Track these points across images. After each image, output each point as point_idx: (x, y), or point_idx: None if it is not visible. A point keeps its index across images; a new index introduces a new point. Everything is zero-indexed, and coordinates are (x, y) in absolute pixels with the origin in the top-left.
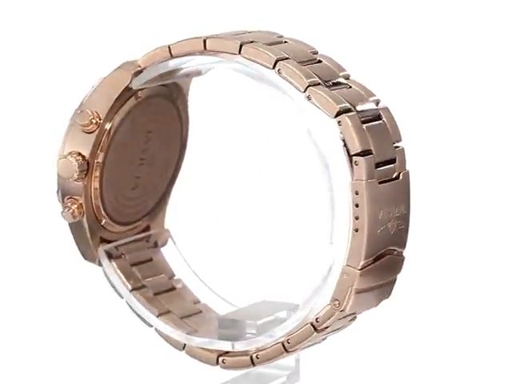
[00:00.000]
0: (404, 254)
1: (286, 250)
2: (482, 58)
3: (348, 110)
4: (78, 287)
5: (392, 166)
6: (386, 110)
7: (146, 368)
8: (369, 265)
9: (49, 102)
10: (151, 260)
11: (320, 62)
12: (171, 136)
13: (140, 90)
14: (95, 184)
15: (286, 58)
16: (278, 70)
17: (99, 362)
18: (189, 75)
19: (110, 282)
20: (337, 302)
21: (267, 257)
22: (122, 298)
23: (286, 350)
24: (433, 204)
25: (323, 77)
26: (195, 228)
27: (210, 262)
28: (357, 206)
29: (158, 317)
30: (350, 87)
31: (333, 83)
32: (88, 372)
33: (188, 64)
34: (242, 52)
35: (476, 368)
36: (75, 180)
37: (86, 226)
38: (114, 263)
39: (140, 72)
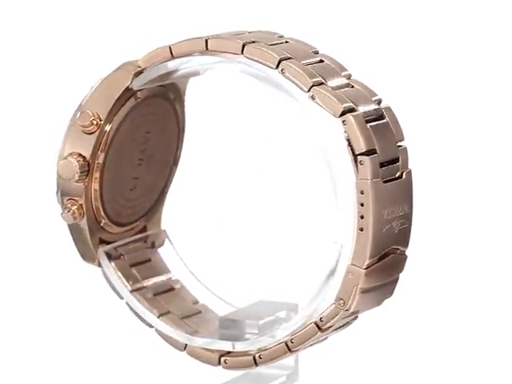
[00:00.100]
0: (406, 253)
1: (290, 250)
2: (482, 58)
3: (352, 110)
4: (77, 288)
5: (395, 165)
6: (389, 109)
7: (145, 369)
8: (373, 264)
9: (48, 102)
10: (150, 261)
11: (322, 61)
12: (168, 136)
13: (139, 90)
14: (95, 185)
15: (289, 58)
16: (282, 69)
17: (99, 364)
18: (187, 75)
19: (109, 282)
20: (341, 302)
21: (268, 257)
22: (122, 298)
23: (289, 350)
24: (431, 203)
25: (326, 76)
26: (192, 228)
27: (208, 262)
28: (362, 205)
29: (158, 317)
30: (353, 87)
31: (336, 83)
32: (89, 374)
33: (189, 64)
34: (244, 52)
35: (476, 368)
36: (76, 181)
37: (86, 227)
38: (113, 264)
39: (140, 72)
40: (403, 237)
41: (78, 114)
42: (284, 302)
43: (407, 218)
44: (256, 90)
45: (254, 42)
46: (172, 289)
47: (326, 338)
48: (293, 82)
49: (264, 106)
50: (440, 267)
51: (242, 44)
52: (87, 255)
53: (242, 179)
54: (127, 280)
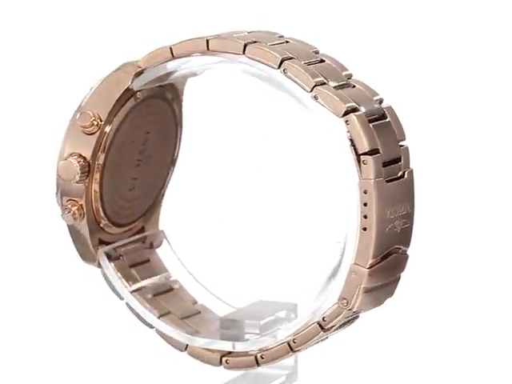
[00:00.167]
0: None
1: (292, 250)
2: (481, 57)
3: (355, 110)
4: (76, 290)
5: (397, 164)
6: (390, 108)
7: (145, 370)
8: (376, 263)
9: (48, 102)
10: (148, 261)
11: (323, 61)
12: (167, 136)
13: (139, 90)
14: (95, 186)
15: (291, 58)
16: (284, 69)
17: (100, 366)
18: (187, 76)
19: (109, 283)
20: (345, 301)
21: (268, 256)
22: (122, 299)
23: (291, 350)
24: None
25: (328, 76)
26: (191, 228)
27: (207, 262)
28: (365, 204)
29: (159, 318)
30: (354, 86)
31: (337, 82)
32: (90, 376)
33: (189, 64)
34: (246, 52)
35: (476, 368)
36: (76, 182)
37: (86, 227)
38: (113, 265)
39: (141, 73)
40: (405, 236)
41: (79, 115)
42: (283, 302)
43: (409, 217)
44: (257, 90)
45: (255, 42)
46: (171, 289)
47: (327, 338)
48: (295, 81)
49: (266, 106)
50: (439, 267)
51: (243, 44)
52: (87, 256)
53: (243, 179)
54: (127, 280)
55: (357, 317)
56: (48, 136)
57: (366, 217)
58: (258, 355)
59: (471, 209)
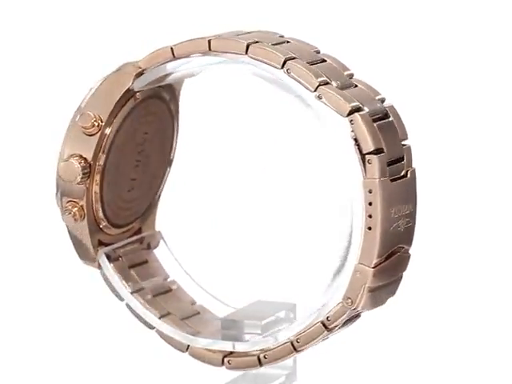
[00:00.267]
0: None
1: (296, 250)
2: (481, 56)
3: (359, 109)
4: (76, 291)
5: (401, 163)
6: (392, 108)
7: (146, 371)
8: (381, 263)
9: (47, 103)
10: (147, 262)
11: (325, 61)
12: (164, 137)
13: (139, 91)
14: (96, 187)
15: (294, 58)
16: (287, 69)
17: (100, 368)
18: (188, 76)
19: (109, 284)
20: (349, 301)
21: (270, 257)
22: (123, 300)
23: (295, 350)
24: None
25: (330, 76)
26: (187, 228)
27: (204, 262)
28: (370, 204)
29: (159, 318)
30: (356, 86)
31: (340, 82)
32: (91, 378)
33: (190, 65)
34: (248, 52)
35: (476, 368)
36: (77, 183)
37: (86, 228)
38: (113, 266)
39: (141, 73)
40: (408, 235)
41: (79, 116)
42: (282, 302)
43: (411, 216)
44: (259, 90)
45: (257, 42)
46: (170, 290)
47: (328, 337)
48: (299, 81)
49: (268, 106)
50: (439, 266)
51: (246, 44)
52: (87, 257)
53: (244, 178)
54: (127, 281)
55: (358, 316)
56: (47, 137)
57: (370, 216)
58: (261, 355)
59: (470, 208)
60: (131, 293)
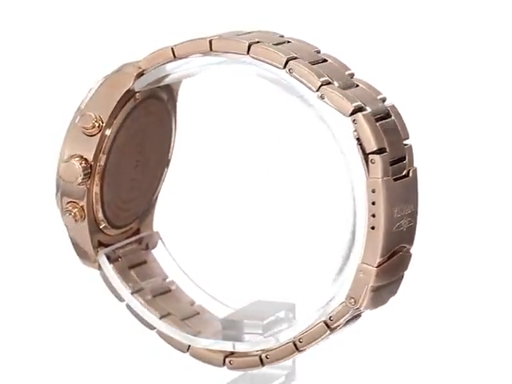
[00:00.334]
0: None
1: (299, 250)
2: (481, 56)
3: (361, 109)
4: (75, 293)
5: (403, 163)
6: (393, 107)
7: (145, 372)
8: (384, 262)
9: (47, 103)
10: (145, 262)
11: (325, 60)
12: (162, 137)
13: (139, 91)
14: (96, 187)
15: (296, 58)
16: (289, 69)
17: (100, 369)
18: (188, 76)
19: (109, 285)
20: (352, 300)
21: (271, 256)
22: (123, 301)
23: (297, 349)
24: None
25: (332, 76)
26: (185, 229)
27: (203, 262)
28: (373, 203)
29: (160, 319)
30: (357, 86)
31: (342, 82)
32: (92, 379)
33: (191, 65)
34: (250, 52)
35: (476, 368)
36: (78, 184)
37: (86, 229)
38: (113, 266)
39: (141, 74)
40: (410, 235)
41: (80, 116)
42: (282, 302)
43: (413, 216)
44: (261, 90)
45: (258, 42)
46: (169, 290)
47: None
48: (301, 81)
49: (271, 106)
50: (438, 266)
51: (247, 44)
52: (87, 258)
53: (246, 178)
54: (127, 282)
55: (359, 316)
56: (47, 137)
57: (374, 216)
58: (263, 355)
59: (470, 207)
60: (131, 293)
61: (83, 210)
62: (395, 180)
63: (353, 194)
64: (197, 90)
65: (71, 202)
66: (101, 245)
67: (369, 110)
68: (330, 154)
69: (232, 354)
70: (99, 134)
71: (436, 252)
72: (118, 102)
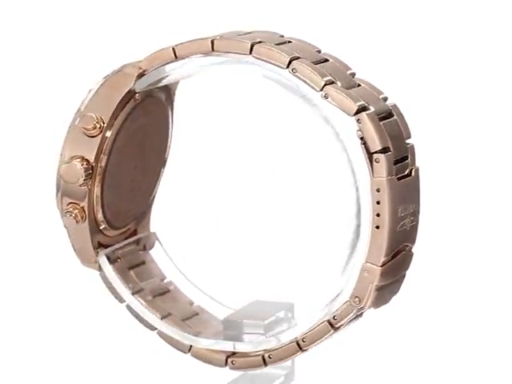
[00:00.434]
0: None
1: (304, 249)
2: (482, 55)
3: (365, 108)
4: (76, 294)
5: (405, 162)
6: (395, 106)
7: (145, 374)
8: (388, 261)
9: (47, 104)
10: (144, 263)
11: (327, 60)
12: (160, 137)
13: (139, 92)
14: (97, 188)
15: (299, 58)
16: (293, 69)
17: (101, 370)
18: (188, 76)
19: (109, 286)
20: (357, 299)
21: (273, 256)
22: (124, 301)
23: (300, 349)
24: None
25: (335, 75)
26: (183, 229)
27: (201, 262)
28: (378, 203)
29: (161, 319)
30: (359, 85)
31: (344, 81)
32: (93, 380)
33: (192, 65)
34: (253, 52)
35: (476, 368)
36: (80, 185)
37: (87, 230)
38: (113, 267)
39: (142, 74)
40: (413, 234)
41: (81, 117)
42: (281, 302)
43: (415, 215)
44: (264, 89)
45: (260, 41)
46: (168, 291)
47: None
48: (304, 81)
49: (274, 106)
50: (438, 266)
51: (250, 44)
52: (88, 259)
53: (248, 178)
54: (127, 283)
55: (361, 315)
56: (46, 139)
57: (378, 215)
58: (266, 355)
59: (470, 208)
60: (132, 294)
61: (84, 210)
62: (399, 179)
63: (357, 194)
64: (199, 90)
65: (72, 203)
66: (100, 246)
67: (372, 109)
68: (333, 153)
69: (234, 354)
70: (100, 135)
71: (436, 252)
72: (119, 102)
